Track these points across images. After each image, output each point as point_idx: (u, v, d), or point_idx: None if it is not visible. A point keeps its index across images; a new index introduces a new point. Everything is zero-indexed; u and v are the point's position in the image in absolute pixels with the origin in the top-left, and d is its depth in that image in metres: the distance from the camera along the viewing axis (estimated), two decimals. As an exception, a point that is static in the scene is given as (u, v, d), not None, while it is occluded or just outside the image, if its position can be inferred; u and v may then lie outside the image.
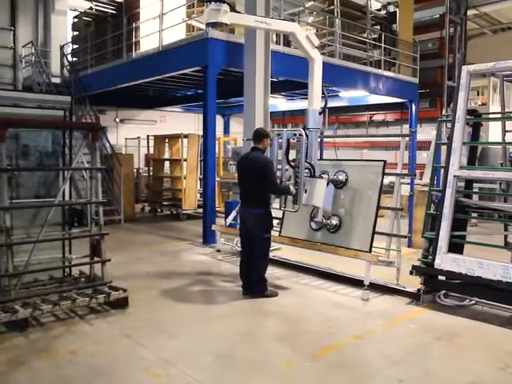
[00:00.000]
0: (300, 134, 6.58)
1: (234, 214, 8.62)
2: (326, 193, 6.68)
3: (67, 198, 6.57)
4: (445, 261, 5.86)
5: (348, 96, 14.95)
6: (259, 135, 6.45)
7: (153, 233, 11.38)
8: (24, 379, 4.07)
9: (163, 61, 10.89)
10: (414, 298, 6.21)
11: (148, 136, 15.79)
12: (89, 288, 5.87)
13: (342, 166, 7.29)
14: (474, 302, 6.06)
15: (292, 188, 6.49)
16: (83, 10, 15.44)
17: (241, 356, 4.60)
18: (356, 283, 6.77)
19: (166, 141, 14.79)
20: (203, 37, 9.53)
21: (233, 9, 6.24)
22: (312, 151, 6.71)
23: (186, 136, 13.34)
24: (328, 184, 6.85)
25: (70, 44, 15.87)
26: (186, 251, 9.22)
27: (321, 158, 8.13)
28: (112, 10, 14.49)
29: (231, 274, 7.32)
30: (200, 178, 13.32)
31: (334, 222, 7.05)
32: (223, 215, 9.91)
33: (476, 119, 6.47)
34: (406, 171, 12.84)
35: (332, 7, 13.25)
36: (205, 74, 9.55)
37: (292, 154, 6.89)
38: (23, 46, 15.42)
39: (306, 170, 6.59)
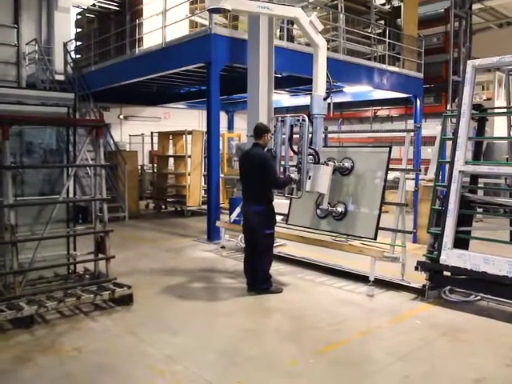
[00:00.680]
0: (303, 120, 6.53)
1: (238, 210, 8.60)
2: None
3: (71, 195, 6.57)
4: (450, 256, 5.83)
5: (352, 91, 14.90)
6: (259, 130, 6.40)
7: (157, 229, 11.39)
8: (30, 375, 4.07)
9: (166, 57, 10.87)
10: (420, 293, 6.20)
11: (152, 133, 15.79)
12: (93, 285, 5.87)
13: (347, 153, 7.24)
14: (479, 297, 6.04)
15: (294, 176, 6.47)
16: (86, 7, 15.43)
17: (245, 352, 4.60)
18: (361, 279, 6.76)
19: (170, 137, 14.77)
20: (206, 33, 9.50)
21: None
22: (317, 138, 6.69)
23: (190, 132, 13.34)
24: (334, 172, 6.87)
25: (74, 41, 15.84)
26: (190, 248, 9.22)
27: (326, 146, 8.01)
28: (115, 6, 14.47)
29: (236, 270, 7.32)
30: (204, 174, 13.32)
31: (340, 209, 7.02)
32: (227, 212, 9.90)
33: (481, 114, 6.43)
34: (410, 166, 12.78)
35: (336, 2, 13.17)
36: (208, 71, 9.53)
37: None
38: (27, 44, 15.42)
39: (311, 157, 6.57)
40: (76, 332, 5.01)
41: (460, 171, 5.94)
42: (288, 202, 7.92)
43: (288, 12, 6.75)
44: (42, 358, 4.38)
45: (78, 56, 15.72)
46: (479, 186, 7.27)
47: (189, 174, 13.21)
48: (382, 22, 15.97)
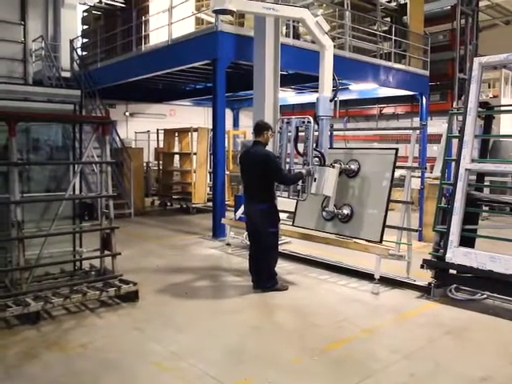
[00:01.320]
0: (308, 121, 6.49)
1: (243, 207, 8.61)
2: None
3: (77, 191, 6.59)
4: (456, 254, 5.82)
5: (358, 89, 14.86)
6: (259, 128, 6.34)
7: (162, 226, 11.41)
8: (36, 371, 4.09)
9: (172, 54, 10.89)
10: (425, 291, 6.19)
11: (158, 130, 15.81)
12: (99, 281, 5.91)
13: (353, 155, 7.20)
14: (485, 296, 6.02)
15: (304, 170, 6.39)
16: (93, 4, 15.45)
17: (250, 350, 4.61)
18: (366, 277, 6.76)
19: (176, 134, 14.78)
20: (212, 30, 9.50)
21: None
22: (322, 139, 6.63)
23: (195, 130, 13.35)
24: (340, 174, 6.87)
25: (80, 38, 15.87)
26: (195, 245, 9.24)
27: (332, 147, 8.00)
28: (121, 3, 14.50)
29: (241, 267, 7.32)
30: (210, 171, 13.32)
31: (346, 211, 6.99)
32: (233, 209, 9.91)
33: (488, 112, 6.40)
34: (416, 164, 12.75)
35: (342, -1, 13.16)
36: (214, 68, 9.53)
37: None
38: (33, 41, 15.47)
39: (316, 159, 6.51)
40: (82, 328, 5.03)
41: (466, 169, 5.92)
42: (291, 200, 7.85)
43: (294, 13, 6.71)
44: (48, 354, 4.40)
45: (84, 53, 15.75)
46: (485, 184, 7.24)
47: (194, 171, 13.22)
48: (388, 19, 15.94)
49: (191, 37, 10.34)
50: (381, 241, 6.54)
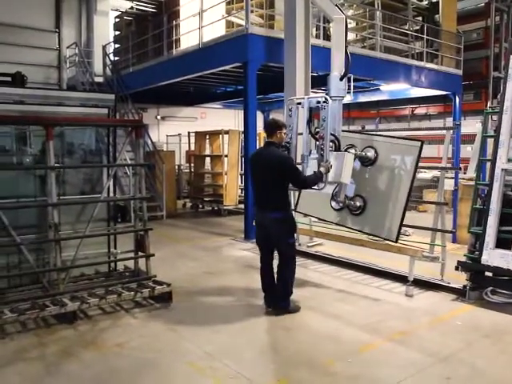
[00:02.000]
0: (325, 101, 5.79)
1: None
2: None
3: (111, 194, 6.70)
4: (492, 256, 5.70)
5: (389, 89, 14.73)
6: (271, 127, 5.55)
7: (194, 228, 11.51)
8: (74, 369, 4.19)
9: (203, 58, 10.98)
10: (460, 294, 6.08)
11: (189, 133, 15.95)
12: (134, 282, 5.98)
13: (371, 142, 6.46)
14: (523, 298, 5.89)
15: (322, 169, 5.62)
16: (124, 10, 15.72)
17: (285, 351, 4.61)
18: (399, 279, 6.68)
19: (207, 137, 14.89)
20: (243, 33, 9.56)
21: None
22: (335, 122, 5.92)
23: (226, 132, 13.42)
24: (355, 160, 6.15)
25: (112, 43, 16.17)
26: (227, 247, 9.29)
27: (344, 130, 6.86)
28: (152, 8, 14.71)
29: (273, 269, 7.32)
30: (241, 173, 13.38)
31: (358, 203, 6.37)
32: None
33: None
34: (450, 165, 12.57)
35: (372, -1, 13.08)
36: (245, 70, 9.58)
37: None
38: (67, 47, 15.86)
39: (331, 144, 5.84)
40: (117, 328, 5.12)
41: (502, 169, 5.80)
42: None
43: None
44: (86, 353, 4.49)
45: (116, 58, 16.03)
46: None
47: (225, 174, 13.30)
48: (420, 18, 15.75)
49: (222, 40, 10.41)
50: (396, 240, 6.08)
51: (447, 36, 14.16)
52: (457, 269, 6.11)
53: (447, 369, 4.20)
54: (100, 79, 15.27)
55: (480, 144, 6.77)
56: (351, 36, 13.27)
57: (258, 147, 12.63)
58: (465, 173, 12.70)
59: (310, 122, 6.05)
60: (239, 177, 13.57)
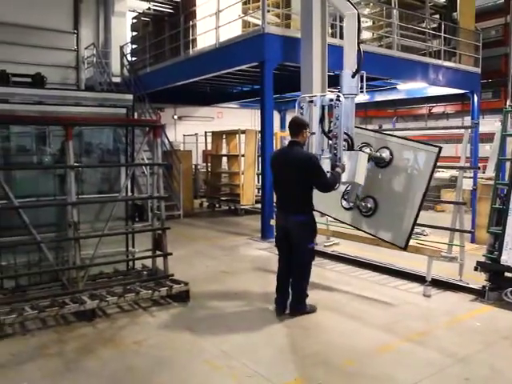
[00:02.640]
0: (338, 99, 5.67)
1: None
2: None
3: (129, 193, 6.75)
4: (512, 256, 5.65)
5: (406, 88, 14.63)
6: (298, 126, 5.37)
7: (211, 228, 11.55)
8: (93, 366, 4.24)
9: (220, 57, 11.02)
10: (479, 294, 6.02)
11: (206, 132, 16.02)
12: (151, 281, 6.04)
13: (386, 142, 6.18)
14: (543, 299, 5.81)
15: (339, 169, 5.52)
16: (141, 11, 15.83)
17: (302, 350, 4.61)
18: (417, 279, 6.64)
19: (224, 137, 14.95)
20: (259, 32, 9.57)
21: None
22: (348, 120, 5.81)
23: (243, 132, 13.44)
24: (369, 160, 6.01)
25: (129, 44, 16.30)
26: (244, 246, 9.31)
27: (358, 126, 6.74)
28: (169, 9, 14.79)
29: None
30: (258, 173, 13.40)
31: (369, 204, 6.14)
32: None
33: (545, 109, 6.18)
34: (468, 164, 12.46)
35: (389, -3, 12.98)
36: (261, 70, 9.59)
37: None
38: (85, 48, 16.03)
39: (344, 143, 5.74)
40: (135, 326, 5.16)
41: (522, 168, 5.74)
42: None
43: None
44: (104, 351, 4.54)
45: (133, 58, 16.15)
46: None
47: (242, 173, 13.32)
48: (437, 16, 15.60)
49: (238, 40, 10.44)
50: (405, 247, 5.88)
51: (465, 33, 14.01)
52: (476, 269, 6.06)
53: (466, 369, 4.18)
54: (117, 79, 15.40)
55: (499, 143, 6.69)
56: (368, 35, 13.20)
57: (275, 147, 12.69)
58: (483, 172, 12.56)
59: (322, 120, 5.91)
60: (256, 176, 13.58)
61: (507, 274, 5.86)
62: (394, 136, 6.30)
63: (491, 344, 4.72)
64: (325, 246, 8.58)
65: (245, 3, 11.49)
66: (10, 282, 5.78)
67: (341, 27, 10.76)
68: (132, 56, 16.23)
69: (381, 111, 22.16)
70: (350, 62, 6.17)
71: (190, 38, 12.57)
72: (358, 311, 5.65)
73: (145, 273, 6.45)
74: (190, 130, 19.06)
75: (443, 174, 14.84)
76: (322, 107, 5.89)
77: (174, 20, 13.74)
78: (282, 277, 5.57)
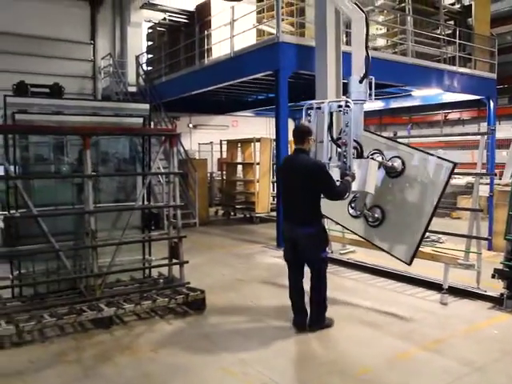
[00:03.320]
0: (347, 105, 5.49)
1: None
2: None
3: (145, 202, 6.81)
4: (529, 264, 5.59)
5: (421, 95, 14.57)
6: (303, 133, 5.20)
7: (227, 236, 11.59)
8: (110, 373, 4.29)
9: (235, 66, 11.09)
10: (497, 302, 5.97)
11: (221, 141, 16.10)
12: (168, 289, 6.08)
13: (399, 151, 5.92)
14: (562, 307, 5.74)
15: (349, 178, 5.30)
16: (157, 21, 16.01)
17: (317, 359, 4.62)
18: (434, 286, 6.60)
19: (239, 145, 15.01)
20: (274, 41, 9.63)
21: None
22: (357, 127, 5.61)
23: (258, 140, 13.49)
24: (379, 168, 5.80)
25: (145, 54, 16.48)
26: (259, 254, 9.32)
27: (368, 130, 6.56)
28: (184, 19, 14.92)
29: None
30: (273, 181, 13.42)
31: (376, 215, 5.95)
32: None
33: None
34: (484, 171, 12.35)
35: (403, 5, 12.97)
36: (276, 78, 9.64)
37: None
38: (102, 58, 16.25)
39: (353, 150, 5.56)
40: (152, 334, 5.20)
41: (539, 175, 5.68)
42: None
43: None
44: (121, 358, 4.59)
45: (149, 68, 16.31)
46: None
47: (257, 181, 13.36)
48: (452, 22, 15.55)
49: (253, 49, 10.51)
50: (410, 263, 5.71)
51: (480, 39, 13.93)
52: (493, 277, 6.00)
53: (483, 378, 4.15)
54: (133, 89, 15.58)
55: (516, 149, 6.65)
56: (382, 42, 13.20)
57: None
58: (500, 178, 12.44)
59: (330, 127, 5.71)
60: (271, 184, 13.61)
61: (525, 282, 5.82)
62: (408, 145, 6.10)
63: (509, 352, 4.68)
64: (340, 254, 8.56)
65: (259, 12, 11.59)
66: (28, 289, 5.88)
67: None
68: (148, 66, 16.40)
69: (396, 118, 22.07)
70: (357, 67, 6.04)
71: (205, 47, 12.69)
72: (374, 319, 5.63)
73: (161, 281, 6.49)
74: (205, 138, 19.17)
75: (459, 181, 14.73)
76: (331, 114, 5.72)
77: (189, 30, 13.87)
78: (295, 296, 5.34)
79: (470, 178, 13.51)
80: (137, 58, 15.64)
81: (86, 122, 6.05)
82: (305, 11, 10.77)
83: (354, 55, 6.16)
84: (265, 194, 13.41)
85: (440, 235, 7.12)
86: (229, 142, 15.28)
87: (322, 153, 5.68)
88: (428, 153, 5.84)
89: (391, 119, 22.35)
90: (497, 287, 6.06)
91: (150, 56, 16.56)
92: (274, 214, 10.58)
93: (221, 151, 16.24)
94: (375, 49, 12.43)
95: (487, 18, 14.53)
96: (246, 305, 6.20)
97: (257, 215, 13.43)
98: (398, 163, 5.83)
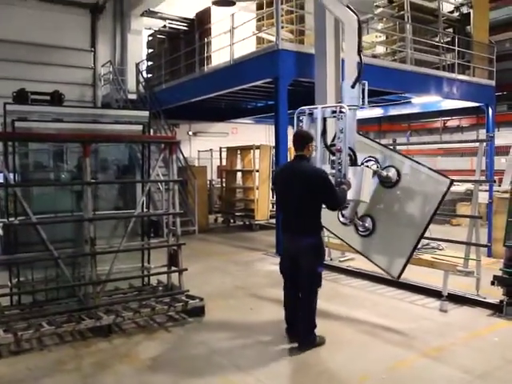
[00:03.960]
0: (341, 111, 5.28)
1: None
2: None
3: (145, 209, 6.81)
4: (529, 271, 5.57)
5: (420, 102, 14.62)
6: (304, 139, 5.00)
7: (226, 243, 11.57)
8: (109, 382, 4.27)
9: (235, 74, 11.12)
10: (496, 309, 5.96)
11: (220, 148, 16.11)
12: (167, 296, 6.06)
13: (395, 161, 5.68)
14: (562, 314, 5.73)
15: (345, 187, 5.12)
16: (157, 29, 16.07)
17: (317, 366, 4.59)
18: (433, 294, 6.59)
19: (238, 152, 15.03)
20: (273, 49, 9.66)
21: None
22: (350, 134, 5.38)
23: (257, 147, 13.52)
24: (373, 176, 5.58)
25: (145, 61, 16.53)
26: (259, 261, 9.31)
27: (362, 134, 6.36)
28: (184, 26, 14.99)
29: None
30: (272, 188, 13.41)
31: (367, 224, 5.77)
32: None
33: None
34: (483, 178, 12.35)
35: (402, 12, 13.02)
36: (276, 86, 9.65)
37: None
38: (102, 66, 16.28)
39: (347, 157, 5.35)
40: (151, 342, 5.19)
41: (538, 182, 5.68)
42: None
43: None
44: (120, 366, 4.57)
45: (149, 75, 16.35)
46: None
47: (257, 188, 13.37)
48: (451, 30, 15.60)
49: (253, 56, 10.54)
50: (398, 278, 5.61)
51: (479, 47, 13.98)
52: (492, 283, 6.00)
53: (484, 386, 4.13)
54: (133, 96, 15.60)
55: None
56: (381, 49, 13.24)
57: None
58: (499, 185, 12.45)
59: (324, 133, 5.55)
60: (270, 192, 13.61)
61: (525, 289, 5.81)
62: (405, 156, 5.86)
63: (510, 360, 4.66)
64: (340, 261, 8.55)
65: (259, 20, 11.63)
66: (27, 297, 5.85)
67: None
68: (148, 73, 16.44)
69: (395, 125, 22.11)
70: (350, 71, 5.91)
71: (205, 54, 12.74)
72: (373, 327, 5.61)
73: (160, 288, 6.47)
74: (205, 145, 19.19)
75: (459, 188, 14.73)
76: (324, 120, 5.55)
77: (189, 37, 13.93)
78: (289, 307, 5.15)
79: (469, 185, 13.51)
80: (137, 65, 15.68)
81: (86, 130, 6.05)
82: (304, 19, 10.81)
83: (346, 59, 6.04)
84: (264, 202, 13.41)
85: (439, 242, 7.11)
86: (228, 149, 15.30)
87: (315, 160, 5.49)
88: (425, 166, 5.60)
89: (390, 126, 22.39)
90: (496, 294, 6.05)
91: (150, 63, 16.61)
92: (274, 221, 10.58)
93: (220, 158, 16.25)
94: (374, 56, 12.48)
95: (486, 26, 14.58)
96: (245, 312, 6.18)
97: (256, 222, 13.43)
98: (393, 173, 5.62)
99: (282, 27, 10.13)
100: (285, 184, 5.03)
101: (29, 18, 14.85)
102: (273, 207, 13.14)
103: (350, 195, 5.22)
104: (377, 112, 16.07)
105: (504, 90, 15.34)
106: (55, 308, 5.64)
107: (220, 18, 12.42)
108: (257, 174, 13.42)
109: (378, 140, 11.57)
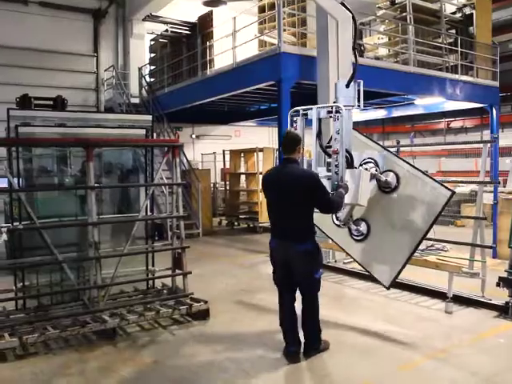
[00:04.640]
0: (337, 111, 5.06)
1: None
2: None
3: (149, 213, 6.82)
4: (535, 272, 5.54)
5: (424, 103, 14.57)
6: (294, 141, 4.77)
7: (230, 246, 11.57)
8: (114, 386, 4.27)
9: (237, 77, 11.13)
10: (502, 311, 5.94)
11: (224, 151, 16.13)
12: (171, 299, 6.08)
13: (394, 166, 5.46)
14: None
15: (342, 190, 4.89)
16: (159, 33, 16.11)
17: (321, 369, 4.59)
18: (438, 295, 6.57)
19: (242, 155, 15.06)
20: (276, 51, 9.65)
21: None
22: (346, 135, 5.15)
23: (261, 150, 13.52)
24: (371, 179, 5.37)
25: (148, 65, 16.57)
26: (263, 264, 9.27)
27: (359, 131, 6.08)
28: (186, 30, 15.01)
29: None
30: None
31: (361, 228, 5.58)
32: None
33: None
34: (488, 179, 12.33)
35: (404, 14, 13.02)
36: (278, 88, 9.65)
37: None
38: (105, 70, 16.33)
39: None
40: (155, 345, 5.19)
41: (543, 182, 5.64)
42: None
43: None
44: (125, 370, 4.57)
45: (152, 79, 16.39)
46: None
47: (260, 191, 13.33)
48: (454, 31, 15.59)
49: (255, 59, 10.54)
50: (389, 288, 5.50)
51: (482, 48, 13.95)
52: (498, 285, 5.97)
53: (490, 388, 4.11)
54: (136, 100, 15.63)
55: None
56: (384, 51, 13.24)
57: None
58: (504, 186, 12.43)
59: (319, 135, 5.35)
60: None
61: (531, 290, 5.78)
62: (405, 161, 5.54)
63: (516, 361, 4.64)
64: (344, 263, 8.54)
65: (261, 23, 11.64)
66: (32, 301, 5.86)
67: (359, 45, 10.86)
68: (150, 77, 16.48)
69: (398, 126, 22.09)
70: (344, 70, 5.69)
71: (207, 58, 12.74)
72: (378, 329, 5.58)
73: (164, 291, 6.48)
74: (208, 148, 19.20)
75: (463, 189, 14.71)
76: (319, 120, 5.36)
77: (191, 41, 13.96)
78: (288, 324, 4.88)
79: (473, 186, 13.49)
80: (139, 69, 15.72)
81: (90, 134, 6.06)
82: (306, 21, 10.81)
83: (340, 58, 5.81)
84: (268, 204, 13.35)
85: (444, 243, 7.09)
86: (232, 151, 15.33)
87: (313, 161, 5.40)
88: (426, 174, 5.42)
89: (394, 128, 22.38)
90: (502, 295, 6.02)
91: (152, 67, 16.65)
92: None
93: (224, 161, 16.27)
94: (377, 58, 12.47)
95: (489, 27, 14.54)
96: (249, 315, 6.17)
97: (260, 225, 13.44)
98: (392, 178, 5.41)
99: (284, 30, 10.14)
100: (274, 189, 4.77)
101: (31, 23, 14.93)
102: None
103: (347, 199, 5.04)
104: (380, 113, 16.04)
105: (508, 91, 15.31)
106: (60, 312, 5.66)
107: (222, 21, 12.44)
108: (260, 176, 13.38)
109: (380, 142, 11.53)
